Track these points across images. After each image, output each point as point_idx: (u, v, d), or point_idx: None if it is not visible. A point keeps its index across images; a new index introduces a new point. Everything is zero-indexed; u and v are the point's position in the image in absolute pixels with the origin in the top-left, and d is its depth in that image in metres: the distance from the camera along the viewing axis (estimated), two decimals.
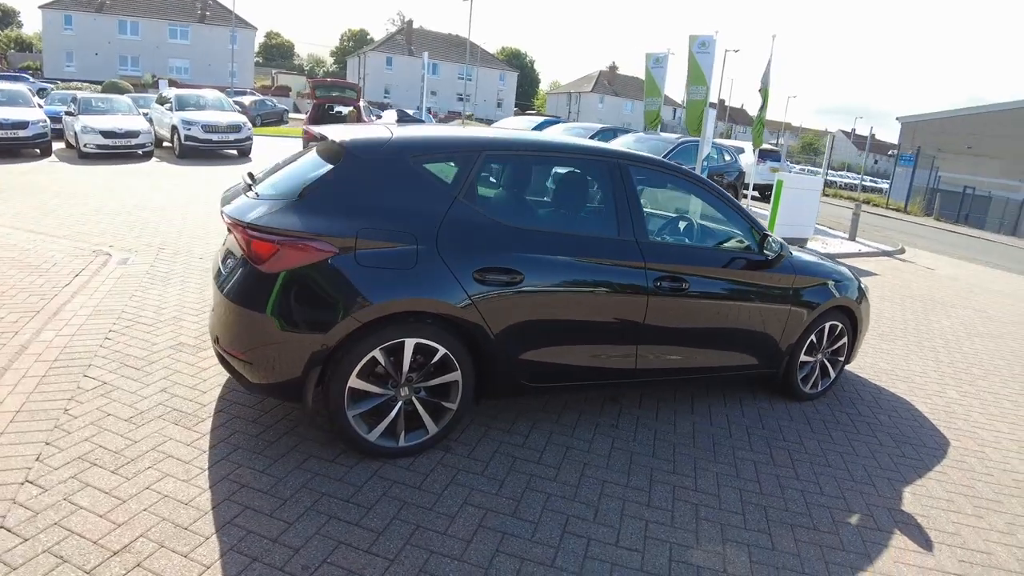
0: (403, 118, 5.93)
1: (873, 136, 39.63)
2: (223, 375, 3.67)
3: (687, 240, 4.11)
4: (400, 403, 2.97)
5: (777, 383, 4.46)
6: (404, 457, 3.04)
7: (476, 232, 3.03)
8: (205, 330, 4.34)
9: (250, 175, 3.36)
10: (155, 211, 8.41)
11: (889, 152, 37.94)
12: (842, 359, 4.76)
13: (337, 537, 2.43)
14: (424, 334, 2.89)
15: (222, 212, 3.04)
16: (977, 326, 7.93)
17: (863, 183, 38.76)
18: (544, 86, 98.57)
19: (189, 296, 5.06)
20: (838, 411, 4.55)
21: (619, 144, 12.78)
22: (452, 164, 3.15)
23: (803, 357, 4.41)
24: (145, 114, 15.62)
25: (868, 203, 24.33)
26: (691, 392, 4.37)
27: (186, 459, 2.83)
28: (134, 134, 13.57)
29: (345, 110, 17.21)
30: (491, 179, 3.43)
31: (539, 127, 16.81)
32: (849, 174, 52.00)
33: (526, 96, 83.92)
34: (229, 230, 3.24)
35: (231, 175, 12.37)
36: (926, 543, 3.03)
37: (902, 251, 13.17)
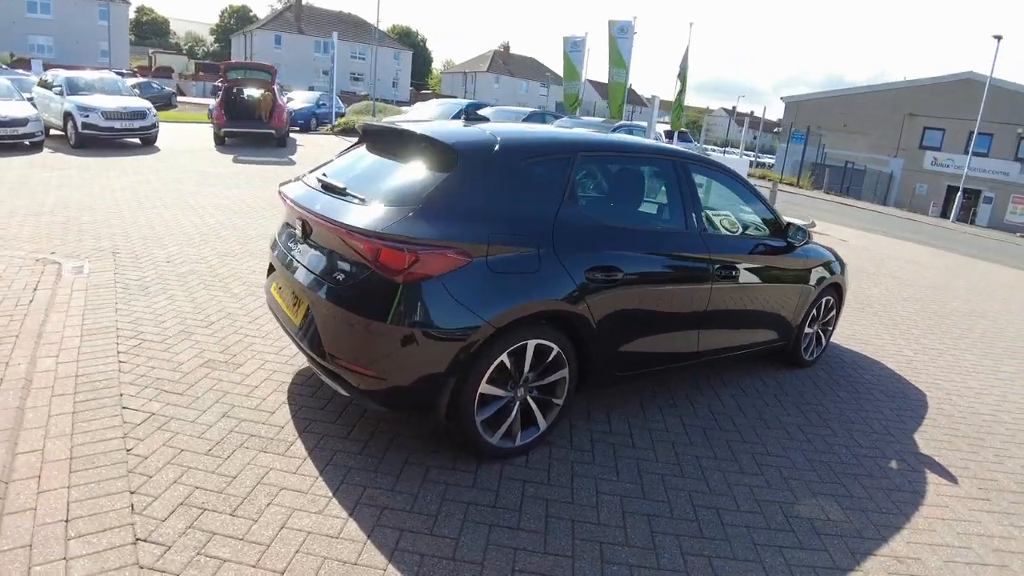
0: (471, 116, 5.43)
1: (752, 114, 42.38)
2: (281, 392, 3.45)
3: (731, 230, 4.33)
4: (518, 403, 2.98)
5: (786, 354, 4.85)
6: (519, 456, 3.07)
7: (583, 232, 3.12)
8: (229, 344, 4.03)
9: (324, 174, 3.22)
10: (82, 210, 7.58)
11: (776, 129, 40.92)
12: (831, 328, 5.25)
13: (510, 544, 2.43)
14: (543, 335, 2.92)
15: (317, 215, 2.89)
16: (900, 291, 8.86)
17: (752, 159, 41.57)
18: (437, 65, 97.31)
19: (183, 306, 4.64)
20: (833, 374, 5.04)
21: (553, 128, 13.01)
22: (554, 165, 3.17)
23: (806, 329, 4.83)
24: (28, 99, 13.92)
25: (764, 179, 26.17)
26: (717, 370, 4.64)
27: (303, 489, 2.64)
28: (21, 122, 12.05)
29: (257, 93, 16.23)
30: (585, 179, 3.46)
31: (466, 109, 16.61)
32: (734, 151, 55.41)
33: (420, 75, 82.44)
34: (306, 234, 3.05)
35: (143, 165, 11.34)
36: (950, 477, 3.61)
37: (813, 224, 14.31)
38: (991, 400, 5.08)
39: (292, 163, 13.43)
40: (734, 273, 3.86)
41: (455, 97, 58.00)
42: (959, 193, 31.45)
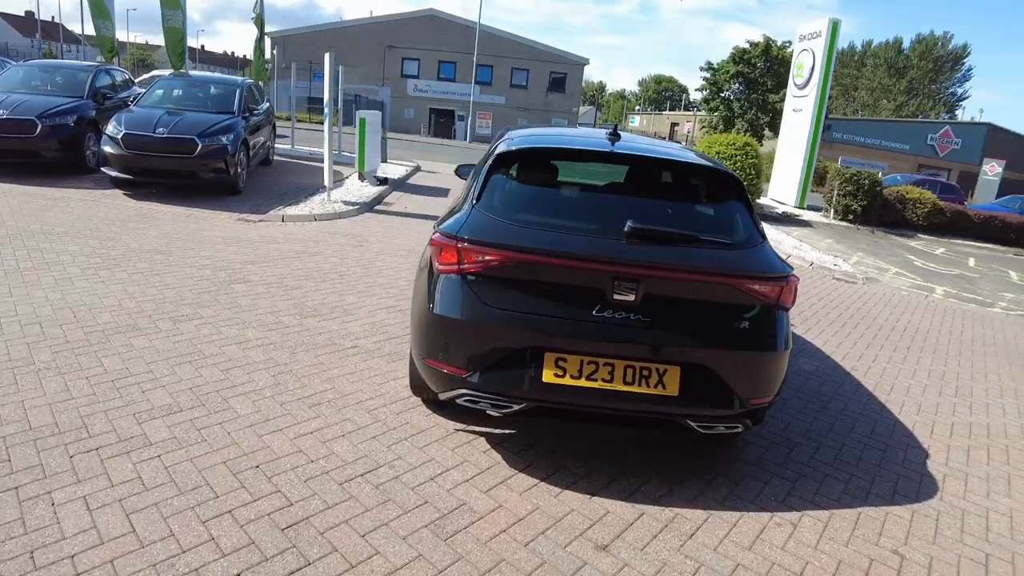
0: (615, 132, 3.32)
1: (203, 47, 40.29)
2: (545, 521, 2.71)
3: None
4: None
5: None
6: None
7: None
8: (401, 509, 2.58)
9: (634, 224, 2.71)
10: None
11: (283, 65, 39.56)
12: None
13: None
14: None
15: (691, 269, 2.72)
16: None
17: None
18: None
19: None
20: None
21: None
22: None
23: None
24: None
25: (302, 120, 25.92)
26: None
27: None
28: None
29: None
30: None
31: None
32: None
33: None
34: (646, 292, 2.66)
35: None
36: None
37: (418, 168, 15.55)
38: None
39: None
40: None
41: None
42: (468, 117, 37.99)
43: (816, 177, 16.73)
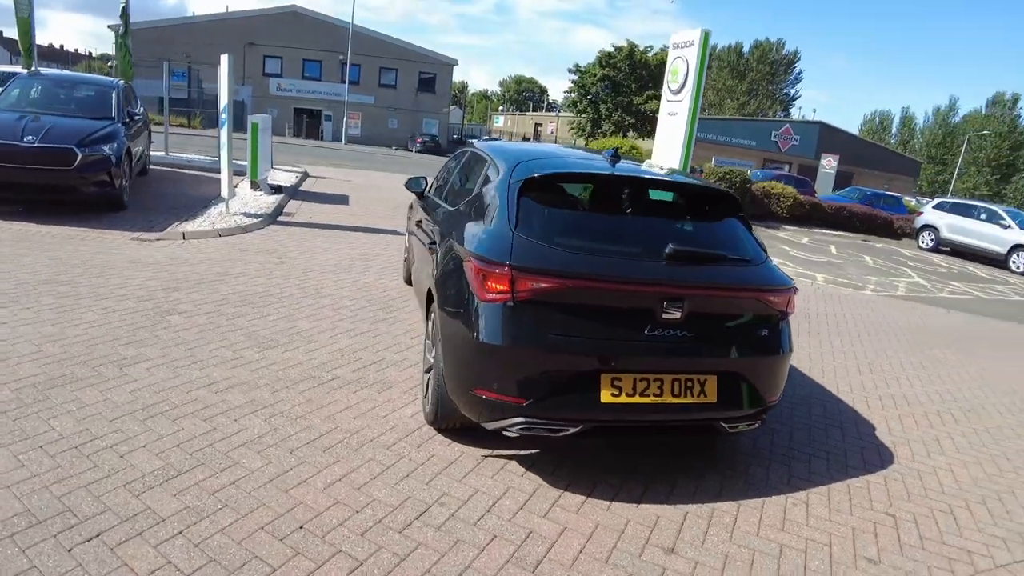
0: (616, 154, 2.80)
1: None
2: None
3: None
4: None
5: None
6: None
7: None
8: None
9: (674, 248, 2.86)
10: None
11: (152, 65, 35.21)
12: None
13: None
14: None
15: (730, 287, 2.98)
16: None
17: None
18: None
19: None
20: None
21: None
22: None
23: None
24: None
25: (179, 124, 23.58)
26: None
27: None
28: None
29: None
30: None
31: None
32: None
33: None
34: (689, 310, 2.82)
35: None
36: None
37: (306, 175, 14.74)
38: None
39: None
40: None
41: None
42: (342, 117, 36.30)
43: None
